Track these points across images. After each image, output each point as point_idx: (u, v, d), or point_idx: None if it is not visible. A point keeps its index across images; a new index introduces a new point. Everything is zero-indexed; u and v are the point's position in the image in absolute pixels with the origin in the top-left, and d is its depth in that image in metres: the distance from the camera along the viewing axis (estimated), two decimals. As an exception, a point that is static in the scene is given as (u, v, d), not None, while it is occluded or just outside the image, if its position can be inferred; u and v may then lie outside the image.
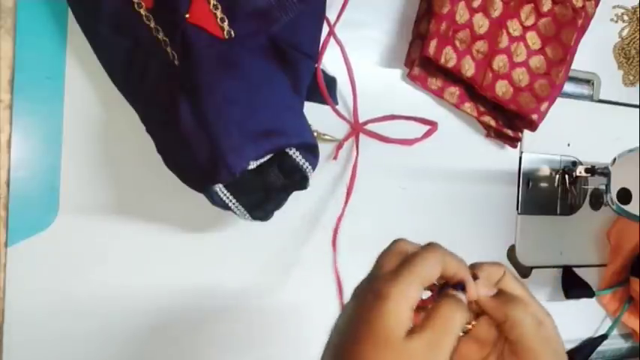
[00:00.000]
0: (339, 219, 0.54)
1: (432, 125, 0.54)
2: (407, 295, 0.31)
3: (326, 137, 0.54)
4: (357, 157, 0.55)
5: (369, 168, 0.56)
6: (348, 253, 0.56)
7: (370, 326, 0.30)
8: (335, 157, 0.55)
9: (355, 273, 0.35)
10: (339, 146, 0.55)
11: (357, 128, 0.55)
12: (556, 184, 0.68)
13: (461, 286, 0.33)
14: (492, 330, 0.35)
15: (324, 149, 0.53)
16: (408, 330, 0.30)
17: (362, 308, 0.31)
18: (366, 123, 0.55)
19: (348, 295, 0.35)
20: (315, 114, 0.48)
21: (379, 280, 0.31)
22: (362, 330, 0.30)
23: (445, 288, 0.33)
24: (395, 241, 0.35)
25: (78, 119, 0.47)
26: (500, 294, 0.35)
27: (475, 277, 0.35)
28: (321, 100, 0.51)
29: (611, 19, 0.70)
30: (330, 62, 0.53)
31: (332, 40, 0.52)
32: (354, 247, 0.55)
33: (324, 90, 0.50)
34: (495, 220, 0.65)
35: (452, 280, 0.33)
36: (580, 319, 0.71)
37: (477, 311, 0.36)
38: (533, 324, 0.34)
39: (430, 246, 0.33)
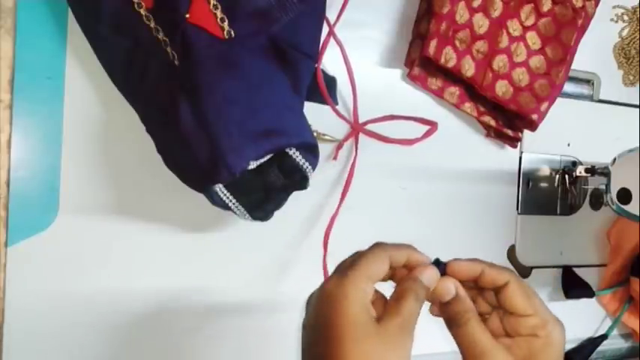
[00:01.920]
0: (333, 219, 0.54)
1: (432, 125, 0.54)
2: (360, 288, 0.32)
3: (326, 137, 0.54)
4: (355, 158, 0.55)
5: (369, 168, 0.56)
6: (348, 253, 0.55)
7: (337, 323, 0.31)
8: (335, 157, 0.55)
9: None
10: (339, 146, 0.55)
11: (356, 128, 0.55)
12: (556, 184, 0.68)
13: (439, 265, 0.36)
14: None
15: (324, 149, 0.53)
16: (375, 317, 0.32)
17: (321, 310, 0.33)
18: (365, 123, 0.55)
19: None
20: (315, 114, 0.48)
21: (329, 281, 0.33)
22: (330, 331, 0.31)
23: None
24: (376, 244, 0.36)
25: (78, 119, 0.47)
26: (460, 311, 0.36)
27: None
28: (321, 100, 0.51)
29: (611, 19, 0.70)
30: (330, 62, 0.53)
31: (332, 40, 0.52)
32: (354, 247, 0.55)
33: (324, 90, 0.50)
34: (495, 220, 0.65)
35: (411, 265, 0.35)
36: (580, 319, 0.71)
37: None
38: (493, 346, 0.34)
39: (374, 245, 0.35)
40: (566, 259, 0.69)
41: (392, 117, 0.55)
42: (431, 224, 0.61)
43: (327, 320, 0.32)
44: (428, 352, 0.47)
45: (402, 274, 0.36)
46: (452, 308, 0.35)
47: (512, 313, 0.36)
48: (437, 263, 0.36)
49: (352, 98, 0.54)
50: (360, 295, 0.32)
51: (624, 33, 0.71)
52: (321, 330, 0.32)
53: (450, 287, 0.35)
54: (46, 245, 0.46)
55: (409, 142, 0.54)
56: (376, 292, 0.35)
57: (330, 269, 0.53)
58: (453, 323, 0.35)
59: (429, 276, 0.35)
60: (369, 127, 0.55)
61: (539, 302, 0.36)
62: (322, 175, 0.54)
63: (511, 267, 0.65)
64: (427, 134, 0.54)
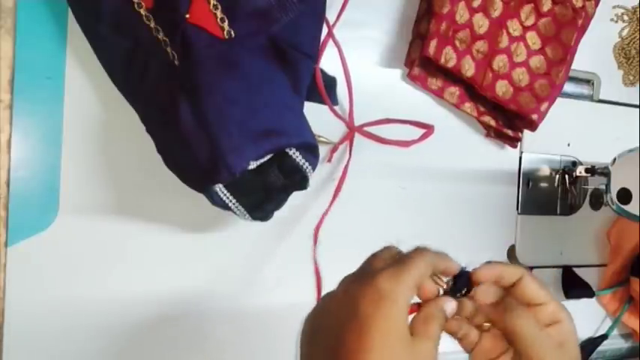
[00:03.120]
0: (324, 216, 0.54)
1: (429, 129, 0.54)
2: (409, 295, 0.32)
3: (321, 139, 0.53)
4: (349, 160, 0.54)
5: (368, 168, 0.56)
6: (348, 253, 0.55)
7: (379, 326, 0.31)
8: (329, 160, 0.55)
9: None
10: (334, 149, 0.54)
11: (353, 129, 0.55)
12: (556, 184, 0.68)
13: (460, 287, 0.35)
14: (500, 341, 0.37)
15: (321, 151, 0.53)
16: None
17: (364, 308, 0.31)
18: (362, 126, 0.55)
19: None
20: (312, 115, 0.48)
21: (379, 278, 0.32)
22: (369, 331, 0.31)
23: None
24: (385, 246, 0.37)
25: (78, 119, 0.47)
26: (507, 301, 0.36)
27: (476, 283, 0.36)
28: (321, 100, 0.51)
29: (611, 19, 0.70)
30: (329, 63, 0.53)
31: (331, 40, 0.52)
32: (355, 247, 0.55)
33: (322, 90, 0.50)
34: (495, 220, 0.65)
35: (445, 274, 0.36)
36: (580, 319, 0.70)
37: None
38: (538, 335, 0.34)
39: (420, 249, 0.35)
40: (566, 259, 0.69)
41: (388, 120, 0.55)
42: (431, 224, 0.61)
43: (365, 317, 0.31)
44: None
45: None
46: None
47: (530, 304, 0.36)
48: (461, 273, 0.36)
49: (348, 100, 0.54)
50: (406, 304, 0.32)
51: (624, 33, 0.71)
52: (354, 325, 0.31)
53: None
54: (46, 245, 0.46)
55: (406, 143, 0.54)
56: None
57: (321, 264, 0.53)
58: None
59: (452, 309, 0.35)
60: (367, 128, 0.55)
61: (550, 292, 0.36)
62: (321, 176, 0.54)
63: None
64: (424, 137, 0.54)
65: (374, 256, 0.36)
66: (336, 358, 0.31)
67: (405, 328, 0.32)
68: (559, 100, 0.60)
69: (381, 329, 0.31)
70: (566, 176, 0.68)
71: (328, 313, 0.34)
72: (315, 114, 0.49)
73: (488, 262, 0.37)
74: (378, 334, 0.30)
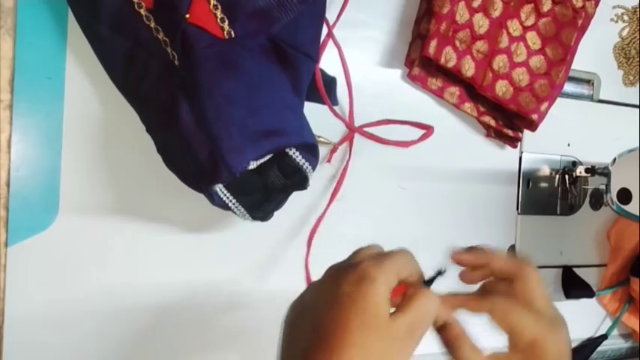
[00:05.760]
0: (319, 220, 0.53)
1: (428, 129, 0.54)
2: (389, 279, 0.33)
3: (320, 140, 0.53)
4: (348, 160, 0.54)
5: (368, 168, 0.56)
6: (347, 253, 0.55)
7: (357, 304, 0.32)
8: (329, 160, 0.55)
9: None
10: (334, 150, 0.54)
11: (352, 130, 0.55)
12: (556, 184, 0.68)
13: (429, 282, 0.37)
14: None
15: (321, 151, 0.53)
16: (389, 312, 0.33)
17: (345, 287, 0.32)
18: (362, 127, 0.55)
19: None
20: (312, 115, 0.48)
21: (362, 264, 0.33)
22: (347, 308, 0.32)
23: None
24: (369, 244, 0.38)
25: (78, 119, 0.47)
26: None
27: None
28: (321, 100, 0.51)
29: (611, 19, 0.70)
30: (329, 63, 0.53)
31: (331, 40, 0.52)
32: (352, 247, 0.55)
33: (322, 90, 0.50)
34: (495, 220, 0.65)
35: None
36: (580, 319, 0.71)
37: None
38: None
39: (403, 248, 0.36)
40: (566, 259, 0.69)
41: (388, 121, 0.55)
42: (431, 224, 0.61)
43: (345, 295, 0.32)
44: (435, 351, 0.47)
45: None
46: (445, 334, 0.36)
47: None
48: (438, 273, 0.37)
49: (348, 100, 0.54)
50: (385, 285, 0.33)
51: (624, 33, 0.71)
52: (334, 304, 0.32)
53: (441, 316, 0.37)
54: (46, 245, 0.46)
55: (405, 144, 0.54)
56: None
57: (313, 269, 0.54)
58: (448, 347, 0.36)
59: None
60: (367, 128, 0.55)
61: (529, 318, 0.36)
62: (319, 177, 0.54)
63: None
64: (423, 137, 0.54)
65: (358, 250, 0.37)
66: (316, 336, 0.32)
67: (384, 308, 0.32)
68: (559, 100, 0.60)
69: (360, 307, 0.31)
70: (566, 176, 0.68)
71: (311, 298, 0.35)
72: (315, 114, 0.49)
73: (477, 249, 0.38)
74: (356, 310, 0.31)
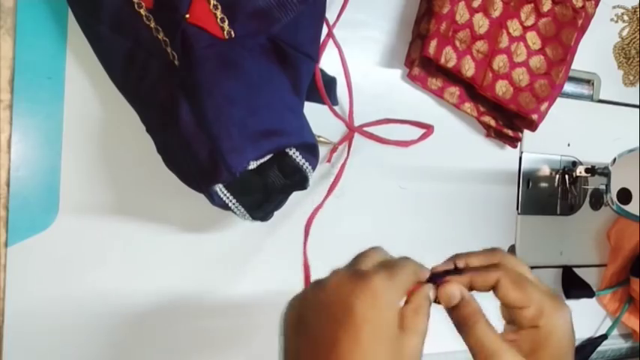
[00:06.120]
0: (316, 210, 0.53)
1: (428, 129, 0.54)
2: (400, 294, 0.33)
3: (320, 139, 0.53)
4: (346, 159, 0.54)
5: (368, 168, 0.56)
6: (347, 252, 0.55)
7: (370, 325, 0.31)
8: (328, 160, 0.55)
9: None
10: (334, 149, 0.54)
11: (352, 130, 0.55)
12: (556, 184, 0.68)
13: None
14: None
15: (321, 151, 0.53)
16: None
17: (358, 307, 0.32)
18: (362, 126, 0.55)
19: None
20: (312, 115, 0.48)
21: (373, 278, 0.33)
22: (360, 328, 0.31)
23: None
24: (372, 247, 0.38)
25: (78, 119, 0.47)
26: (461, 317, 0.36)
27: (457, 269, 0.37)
28: (321, 100, 0.51)
29: (611, 19, 0.70)
30: (330, 63, 0.53)
31: (331, 40, 0.52)
32: (355, 247, 0.55)
33: (322, 90, 0.50)
34: (495, 220, 0.65)
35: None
36: (580, 319, 0.70)
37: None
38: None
39: (406, 257, 0.36)
40: (566, 259, 0.69)
41: (387, 121, 0.55)
42: (431, 224, 0.61)
43: (361, 317, 0.32)
44: (439, 351, 0.47)
45: None
46: (459, 312, 0.35)
47: (510, 306, 0.36)
48: (436, 276, 0.37)
49: (348, 100, 0.54)
50: (398, 306, 0.33)
51: (624, 33, 0.71)
52: (349, 324, 0.32)
53: (455, 292, 0.36)
54: (46, 245, 0.46)
55: (405, 143, 0.54)
56: None
57: (313, 266, 0.53)
58: (462, 327, 0.35)
59: (434, 293, 0.36)
60: (367, 128, 0.55)
61: (535, 291, 0.36)
62: (319, 177, 0.54)
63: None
64: (423, 137, 0.54)
65: (363, 255, 0.37)
66: (328, 354, 0.31)
67: (395, 328, 0.32)
68: (559, 100, 0.60)
69: (376, 331, 0.31)
70: (566, 176, 0.68)
71: (319, 306, 0.34)
72: (315, 114, 0.49)
73: (458, 257, 0.38)
74: (373, 335, 0.31)
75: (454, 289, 0.36)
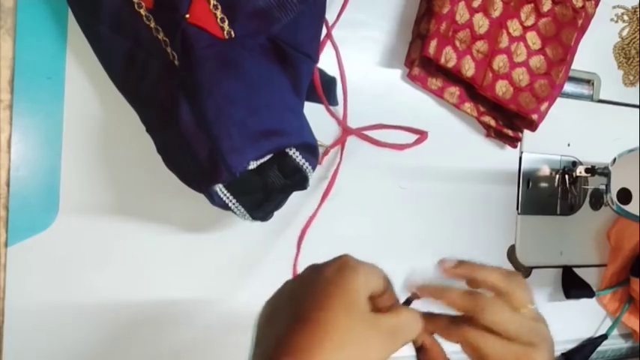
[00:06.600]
0: (311, 219, 0.53)
1: (422, 134, 0.54)
2: (368, 277, 0.33)
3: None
4: (339, 164, 0.54)
5: (368, 168, 0.56)
6: (347, 252, 0.55)
7: (338, 288, 0.32)
8: (319, 162, 0.54)
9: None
10: (326, 152, 0.54)
11: (346, 131, 0.54)
12: (556, 184, 0.68)
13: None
14: None
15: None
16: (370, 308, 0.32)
17: (326, 273, 0.33)
18: (357, 130, 0.55)
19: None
20: (307, 117, 0.48)
21: (343, 256, 0.34)
22: (329, 291, 0.31)
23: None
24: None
25: (78, 119, 0.47)
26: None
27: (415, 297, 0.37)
28: (320, 100, 0.51)
29: (611, 19, 0.70)
30: (329, 63, 0.53)
31: (330, 41, 0.52)
32: (355, 247, 0.55)
33: (319, 89, 0.50)
34: (495, 220, 0.65)
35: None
36: (580, 319, 0.71)
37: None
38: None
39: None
40: (566, 259, 0.69)
41: (382, 126, 0.55)
42: (431, 224, 0.61)
43: (326, 280, 0.32)
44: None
45: None
46: (423, 356, 0.37)
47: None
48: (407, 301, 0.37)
49: (343, 102, 0.54)
50: (365, 280, 0.33)
51: (624, 33, 0.71)
52: (315, 288, 0.32)
53: (416, 341, 0.37)
54: (46, 245, 0.46)
55: (400, 147, 0.54)
56: None
57: (312, 260, 0.53)
58: None
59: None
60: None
61: (499, 347, 0.36)
62: (312, 179, 0.54)
63: (511, 267, 0.65)
64: (417, 142, 0.54)
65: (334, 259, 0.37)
66: (294, 320, 0.31)
67: (364, 297, 0.32)
68: (559, 100, 0.60)
69: (341, 291, 0.32)
70: (566, 176, 0.68)
71: (289, 288, 0.35)
72: (309, 116, 0.49)
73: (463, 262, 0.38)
74: (337, 293, 0.31)
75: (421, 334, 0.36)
